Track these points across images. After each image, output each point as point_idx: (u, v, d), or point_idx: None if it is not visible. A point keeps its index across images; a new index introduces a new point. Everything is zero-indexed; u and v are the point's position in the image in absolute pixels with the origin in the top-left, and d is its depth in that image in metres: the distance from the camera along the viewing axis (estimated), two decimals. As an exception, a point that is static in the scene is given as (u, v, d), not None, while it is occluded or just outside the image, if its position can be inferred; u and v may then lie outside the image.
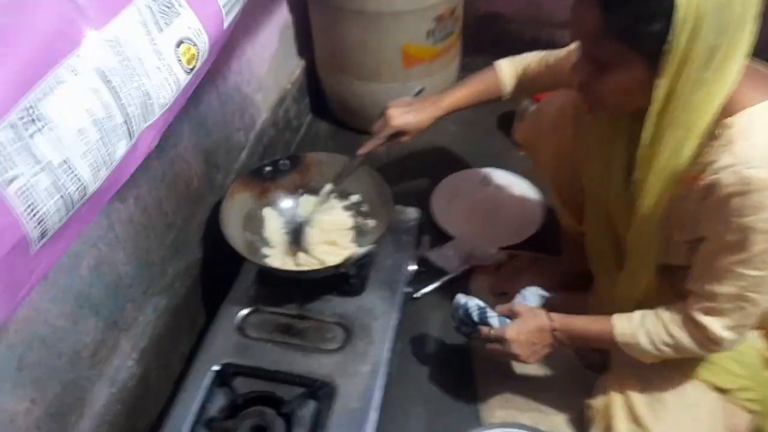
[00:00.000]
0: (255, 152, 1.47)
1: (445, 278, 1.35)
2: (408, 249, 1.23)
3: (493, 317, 0.99)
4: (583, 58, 0.81)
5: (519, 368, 1.18)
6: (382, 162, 1.62)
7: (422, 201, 1.51)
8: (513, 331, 0.95)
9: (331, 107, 1.85)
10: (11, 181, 0.39)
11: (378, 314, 1.09)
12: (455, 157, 1.72)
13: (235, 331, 1.06)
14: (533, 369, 1.17)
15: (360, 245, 1.17)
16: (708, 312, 0.81)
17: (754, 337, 0.98)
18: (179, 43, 0.43)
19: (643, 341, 0.86)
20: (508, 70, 1.11)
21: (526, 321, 0.96)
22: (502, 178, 1.60)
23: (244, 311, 1.10)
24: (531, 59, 1.10)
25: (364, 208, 1.25)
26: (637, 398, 0.96)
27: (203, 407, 0.94)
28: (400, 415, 1.12)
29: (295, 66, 1.77)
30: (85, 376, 0.88)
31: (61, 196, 0.42)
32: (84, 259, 0.84)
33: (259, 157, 1.47)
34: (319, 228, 1.19)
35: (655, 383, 0.96)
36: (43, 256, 0.46)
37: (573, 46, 0.96)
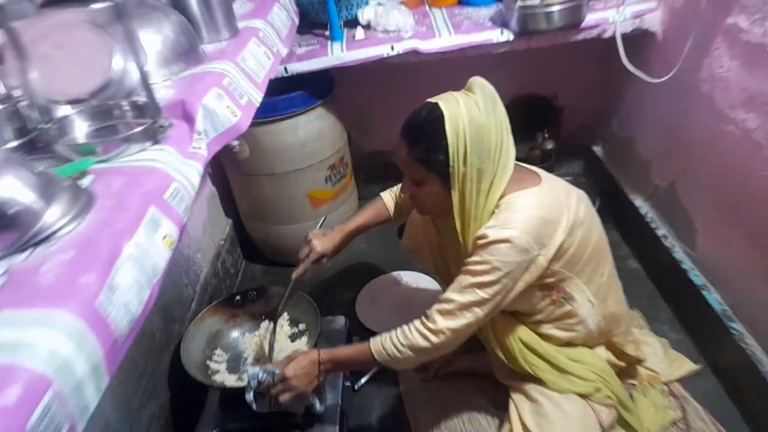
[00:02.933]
0: (202, 301, 1.70)
1: (377, 368, 1.53)
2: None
3: (274, 371, 1.16)
4: (406, 179, 1.13)
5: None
6: (312, 283, 1.87)
7: (349, 308, 1.77)
8: (290, 369, 1.14)
9: (259, 251, 2.11)
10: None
11: (326, 414, 1.29)
12: (370, 267, 1.98)
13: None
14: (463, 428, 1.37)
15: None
16: (443, 313, 1.05)
17: (600, 350, 1.27)
18: (164, 237, 0.71)
19: (389, 347, 1.08)
20: (387, 198, 1.41)
21: (298, 360, 1.16)
22: (409, 277, 1.88)
23: (212, 435, 1.28)
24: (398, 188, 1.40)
25: (303, 330, 1.51)
26: (527, 417, 1.20)
27: None
28: None
29: (225, 224, 2.06)
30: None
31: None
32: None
33: (206, 305, 1.66)
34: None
35: (539, 401, 1.19)
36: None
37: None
